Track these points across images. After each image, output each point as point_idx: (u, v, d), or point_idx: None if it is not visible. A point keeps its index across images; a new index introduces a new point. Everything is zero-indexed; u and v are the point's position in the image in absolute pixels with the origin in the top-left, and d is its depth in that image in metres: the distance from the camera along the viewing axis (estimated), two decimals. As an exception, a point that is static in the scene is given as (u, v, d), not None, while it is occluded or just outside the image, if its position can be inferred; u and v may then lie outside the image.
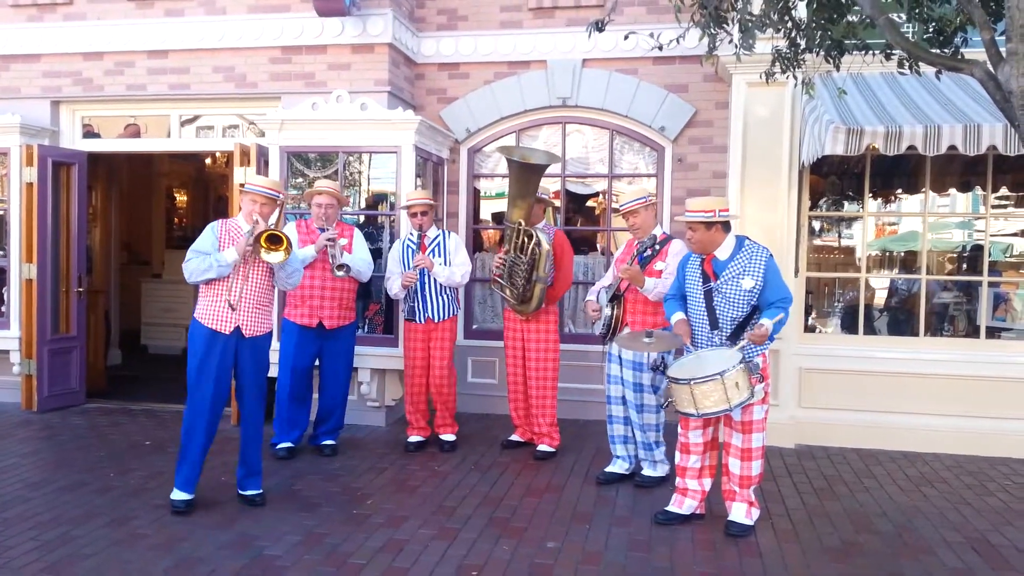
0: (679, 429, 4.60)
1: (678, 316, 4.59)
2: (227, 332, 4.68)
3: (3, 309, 7.30)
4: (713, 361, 4.23)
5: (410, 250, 5.94)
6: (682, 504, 4.60)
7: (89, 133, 7.77)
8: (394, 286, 5.95)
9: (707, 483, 4.61)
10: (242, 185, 5.04)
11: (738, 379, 4.11)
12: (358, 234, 5.99)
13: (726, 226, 4.45)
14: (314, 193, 5.80)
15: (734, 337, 4.34)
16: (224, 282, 4.67)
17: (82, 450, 5.91)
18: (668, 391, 4.32)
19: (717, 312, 4.38)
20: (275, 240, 4.63)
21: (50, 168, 7.10)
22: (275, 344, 6.27)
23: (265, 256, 4.60)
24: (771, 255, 4.43)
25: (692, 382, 4.14)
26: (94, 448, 5.96)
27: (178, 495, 4.67)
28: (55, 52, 7.41)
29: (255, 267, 4.74)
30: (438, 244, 5.98)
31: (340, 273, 5.62)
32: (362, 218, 6.92)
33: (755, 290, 4.33)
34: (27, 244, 7.01)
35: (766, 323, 4.24)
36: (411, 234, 6.02)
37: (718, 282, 4.38)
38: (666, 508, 4.63)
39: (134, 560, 3.95)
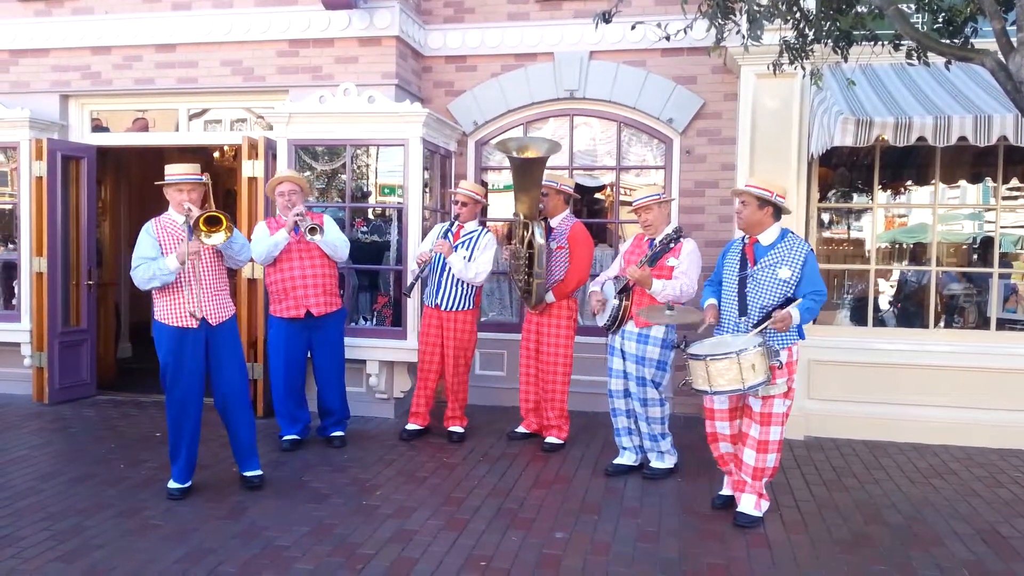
0: (706, 421, 4.64)
1: (710, 301, 4.65)
2: (195, 326, 4.68)
3: (14, 302, 7.35)
4: (728, 343, 4.27)
5: (443, 235, 5.97)
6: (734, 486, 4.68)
7: (98, 127, 7.80)
8: (413, 262, 6.02)
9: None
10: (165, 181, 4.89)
11: (755, 361, 4.11)
12: (328, 219, 5.90)
13: (777, 213, 4.48)
14: (276, 183, 5.79)
15: (760, 325, 4.35)
16: (177, 281, 4.64)
17: (93, 442, 5.94)
18: (688, 370, 4.32)
19: (748, 299, 4.41)
20: (213, 222, 4.55)
21: (59, 162, 7.13)
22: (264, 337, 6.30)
23: (207, 240, 4.53)
24: (812, 249, 4.46)
25: (708, 358, 4.15)
26: (105, 440, 6.00)
27: (174, 485, 4.78)
28: (63, 46, 7.43)
29: (202, 256, 4.69)
30: (470, 238, 5.97)
31: (314, 237, 5.52)
32: (343, 210, 6.90)
33: (791, 281, 4.34)
34: (37, 238, 7.05)
35: (791, 310, 4.25)
36: (452, 223, 6.03)
37: (754, 268, 4.41)
38: (721, 492, 4.72)
39: (145, 550, 3.97)
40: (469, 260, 5.89)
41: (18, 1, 7.49)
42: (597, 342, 6.89)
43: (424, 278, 5.98)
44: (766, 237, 4.46)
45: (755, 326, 4.34)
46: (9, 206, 7.45)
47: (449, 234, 5.94)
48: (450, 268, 5.87)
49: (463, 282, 5.93)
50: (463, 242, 5.94)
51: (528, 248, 5.68)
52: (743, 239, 4.57)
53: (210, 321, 4.73)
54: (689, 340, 4.47)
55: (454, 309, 5.95)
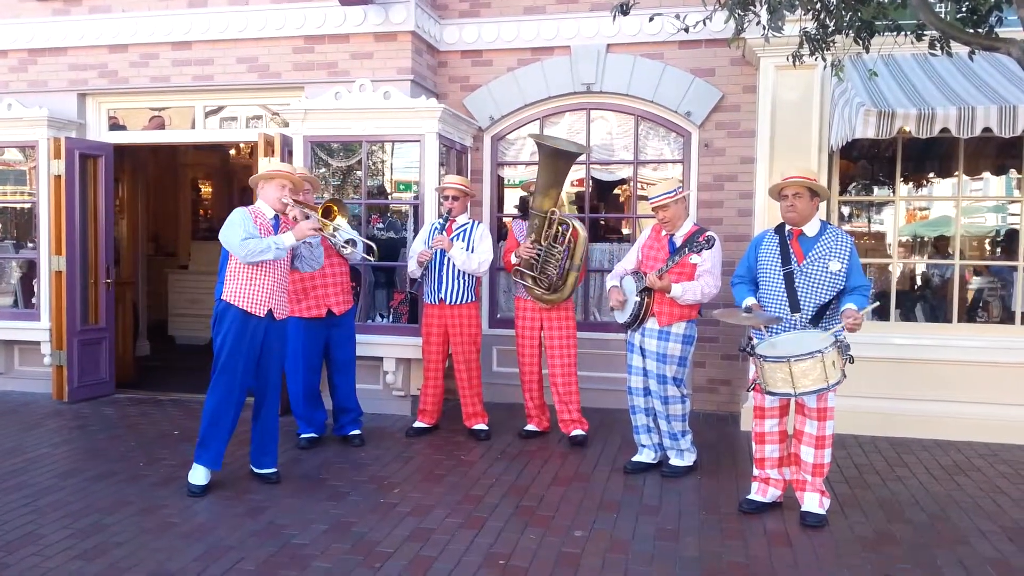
0: (753, 420, 4.57)
1: (750, 301, 4.53)
2: (262, 315, 4.80)
3: (33, 301, 7.39)
4: (802, 341, 4.15)
5: (436, 231, 5.95)
6: (766, 493, 4.57)
7: (115, 125, 7.82)
8: (412, 263, 5.99)
9: (787, 472, 4.57)
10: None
11: (834, 358, 4.05)
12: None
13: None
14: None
15: (815, 321, 4.29)
16: (263, 267, 4.77)
17: (112, 440, 5.97)
18: (760, 373, 4.21)
19: (799, 295, 4.32)
20: (328, 212, 4.98)
21: (77, 161, 7.16)
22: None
23: (330, 233, 4.98)
24: (853, 240, 4.42)
25: (791, 359, 4.04)
26: (124, 438, 6.02)
27: (197, 479, 4.77)
28: (81, 45, 7.46)
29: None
30: (464, 230, 5.96)
31: (348, 250, 5.51)
32: (358, 207, 6.86)
33: (841, 274, 4.30)
34: (56, 236, 7.09)
35: (855, 309, 4.18)
36: (441, 217, 6.01)
37: (804, 263, 4.34)
38: (749, 497, 4.61)
39: (164, 548, 3.98)
40: (470, 252, 5.88)
41: (36, 1, 7.52)
42: (612, 338, 6.85)
43: (420, 277, 5.98)
44: (810, 229, 4.42)
45: (812, 322, 4.28)
46: (28, 205, 7.49)
47: (442, 230, 5.92)
48: (450, 262, 5.86)
49: (464, 275, 5.92)
50: (457, 235, 5.93)
51: (567, 244, 5.67)
52: (781, 232, 4.49)
53: (275, 315, 4.87)
54: (752, 342, 4.34)
55: (458, 303, 5.93)
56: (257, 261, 4.70)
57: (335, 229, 4.99)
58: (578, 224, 5.69)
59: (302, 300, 5.72)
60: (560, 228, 5.70)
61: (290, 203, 4.84)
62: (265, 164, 6.61)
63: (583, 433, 5.87)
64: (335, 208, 5.00)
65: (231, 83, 7.24)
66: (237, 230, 4.70)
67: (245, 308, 4.75)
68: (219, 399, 4.78)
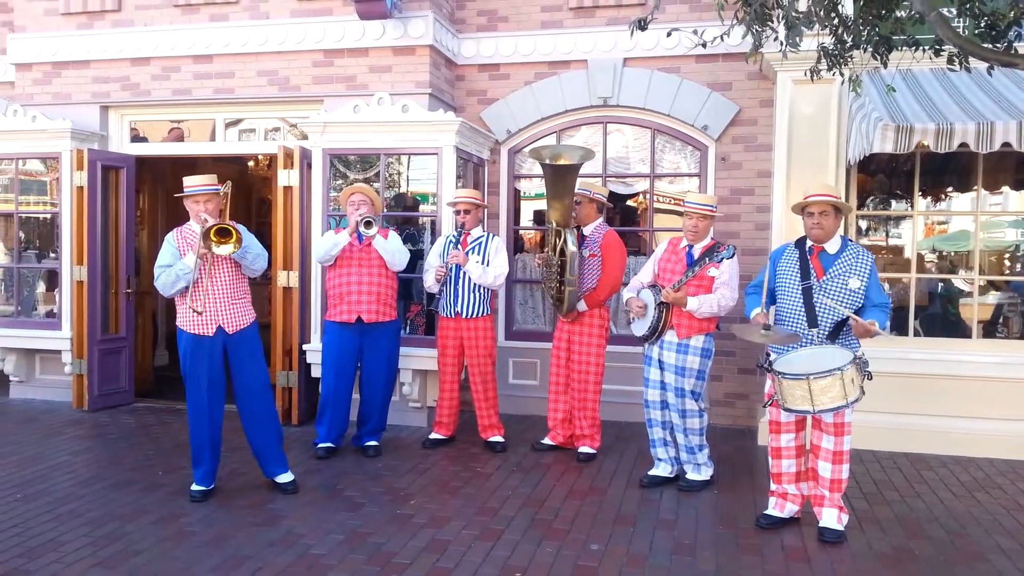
0: (769, 435, 4.55)
1: (755, 311, 4.55)
2: (210, 334, 4.80)
3: (55, 310, 7.47)
4: (821, 358, 4.14)
5: (451, 245, 5.97)
6: (783, 508, 4.56)
7: (136, 137, 7.92)
8: (428, 278, 6.00)
9: (804, 487, 4.55)
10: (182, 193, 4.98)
11: (853, 375, 4.03)
12: (392, 232, 6.01)
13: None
14: (349, 192, 5.84)
15: (832, 337, 4.29)
16: (193, 287, 4.74)
17: (131, 448, 6.02)
18: (778, 390, 4.19)
19: (817, 310, 4.32)
20: (224, 233, 4.69)
21: (99, 172, 7.25)
22: (317, 344, 6.37)
23: (217, 250, 4.66)
24: (874, 258, 4.42)
25: (811, 377, 4.03)
26: (143, 446, 6.07)
27: (196, 488, 4.89)
28: (104, 58, 7.57)
29: (218, 264, 4.81)
30: (479, 244, 5.99)
31: (369, 231, 5.55)
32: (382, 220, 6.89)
33: (860, 291, 4.29)
34: (78, 246, 7.17)
35: (873, 324, 4.15)
36: (455, 231, 6.04)
37: (823, 279, 4.34)
38: (767, 512, 4.59)
39: (183, 557, 4.01)
40: (485, 265, 5.90)
41: (61, 15, 7.64)
42: (629, 351, 6.84)
43: (438, 292, 6.00)
44: (832, 245, 4.41)
45: (829, 338, 4.27)
46: (50, 215, 7.59)
47: (456, 244, 5.95)
48: (465, 276, 5.88)
49: (479, 288, 5.94)
50: (472, 248, 5.95)
51: (560, 256, 5.66)
52: (802, 246, 4.49)
53: (227, 329, 4.84)
54: (770, 358, 4.34)
55: (474, 316, 5.95)
56: (176, 292, 4.76)
57: (216, 246, 4.66)
58: (570, 237, 5.62)
59: (337, 304, 5.78)
60: (557, 240, 5.70)
61: (209, 220, 4.73)
62: (284, 177, 6.70)
63: (591, 451, 5.84)
64: (234, 233, 4.67)
65: (251, 96, 7.32)
66: (156, 264, 4.78)
67: (191, 331, 4.80)
68: (192, 421, 4.87)
